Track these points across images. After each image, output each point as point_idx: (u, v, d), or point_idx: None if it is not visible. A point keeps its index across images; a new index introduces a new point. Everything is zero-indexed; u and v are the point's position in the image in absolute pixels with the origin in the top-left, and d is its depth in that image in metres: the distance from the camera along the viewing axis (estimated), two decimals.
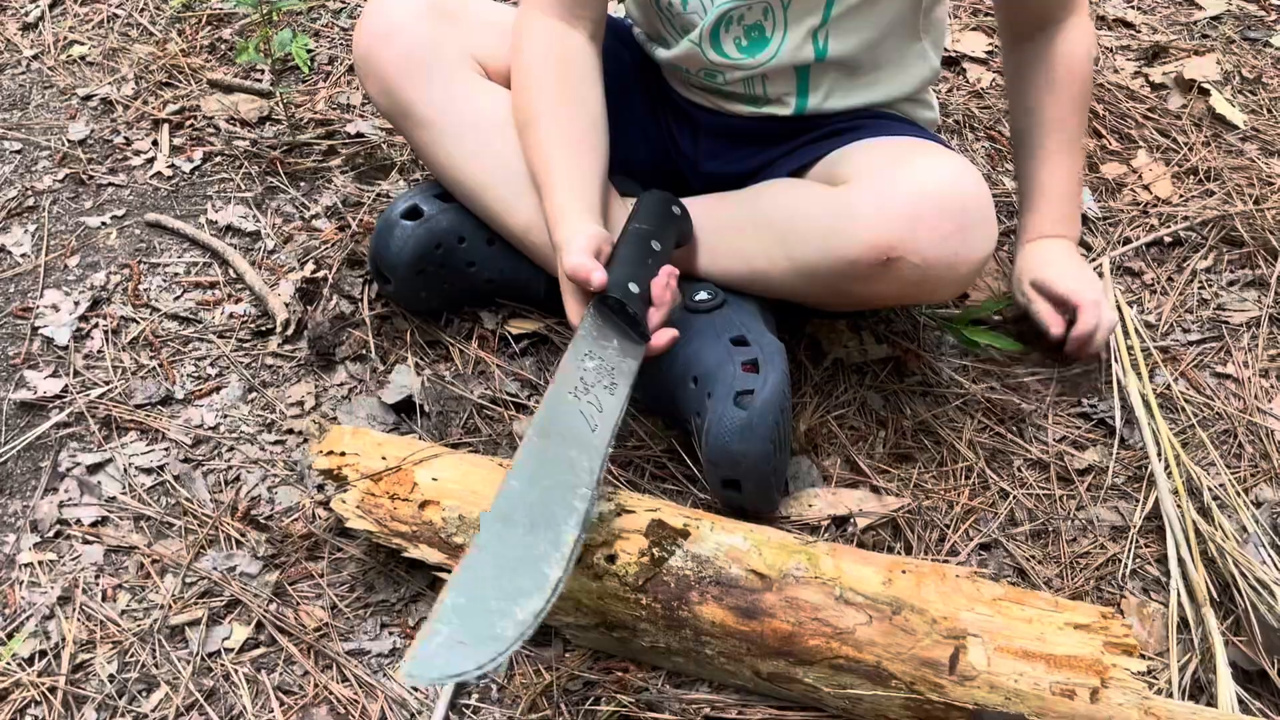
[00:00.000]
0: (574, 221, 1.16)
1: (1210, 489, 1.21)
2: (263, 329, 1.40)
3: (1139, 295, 1.49)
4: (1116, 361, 1.37)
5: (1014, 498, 1.25)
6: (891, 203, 1.10)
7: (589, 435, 1.02)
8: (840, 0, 1.22)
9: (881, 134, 1.25)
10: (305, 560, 1.16)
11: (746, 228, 1.23)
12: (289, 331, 1.38)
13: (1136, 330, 1.42)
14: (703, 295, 1.24)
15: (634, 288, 1.13)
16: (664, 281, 1.14)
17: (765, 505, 1.18)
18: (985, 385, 1.37)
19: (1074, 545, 1.21)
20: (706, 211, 1.27)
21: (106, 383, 1.33)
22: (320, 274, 1.44)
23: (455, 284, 1.36)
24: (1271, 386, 1.38)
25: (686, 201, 1.29)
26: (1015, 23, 1.38)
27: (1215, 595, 1.10)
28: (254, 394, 1.33)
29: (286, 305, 1.41)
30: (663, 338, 1.14)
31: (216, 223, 1.54)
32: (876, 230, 1.10)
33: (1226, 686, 1.04)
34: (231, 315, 1.42)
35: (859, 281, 1.15)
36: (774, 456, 1.13)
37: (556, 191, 1.18)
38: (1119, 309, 1.43)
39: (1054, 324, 1.34)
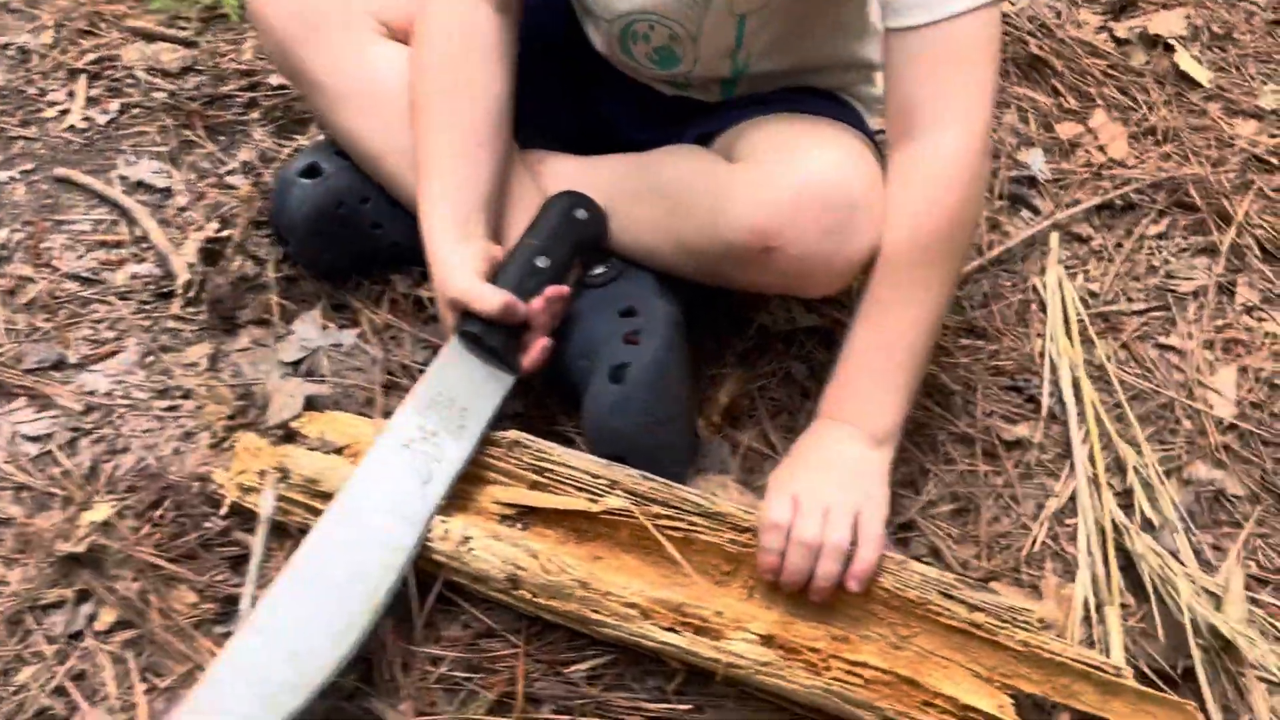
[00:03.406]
0: (451, 242, 1.11)
1: (1136, 467, 1.16)
2: (165, 290, 1.34)
3: (1085, 261, 1.43)
4: (1053, 340, 1.31)
5: (934, 474, 1.20)
6: (774, 190, 1.04)
7: (414, 497, 0.97)
8: (752, 27, 1.13)
9: (796, 108, 1.18)
10: (182, 534, 1.11)
11: (644, 197, 1.17)
12: (190, 293, 1.33)
13: (1079, 300, 1.36)
14: (599, 270, 1.18)
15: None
16: (541, 305, 1.09)
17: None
18: None
19: (995, 525, 1.16)
20: (613, 177, 1.21)
21: None
22: (226, 233, 1.38)
23: (358, 245, 1.29)
24: (1215, 359, 1.32)
25: (600, 160, 1.22)
26: (889, 114, 1.09)
27: (1124, 586, 1.05)
28: (151, 358, 1.28)
29: (190, 266, 1.35)
30: (534, 352, 1.10)
31: (128, 178, 1.48)
32: (755, 217, 1.04)
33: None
34: (134, 276, 1.36)
35: (737, 267, 1.09)
36: (658, 429, 1.07)
37: (432, 208, 1.13)
38: (1062, 282, 1.37)
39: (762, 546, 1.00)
